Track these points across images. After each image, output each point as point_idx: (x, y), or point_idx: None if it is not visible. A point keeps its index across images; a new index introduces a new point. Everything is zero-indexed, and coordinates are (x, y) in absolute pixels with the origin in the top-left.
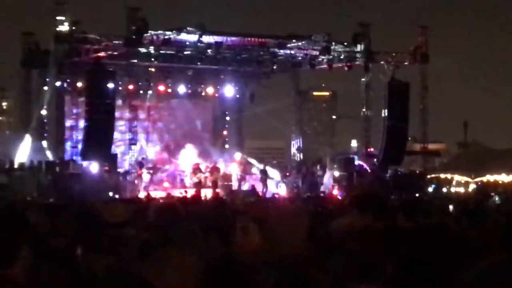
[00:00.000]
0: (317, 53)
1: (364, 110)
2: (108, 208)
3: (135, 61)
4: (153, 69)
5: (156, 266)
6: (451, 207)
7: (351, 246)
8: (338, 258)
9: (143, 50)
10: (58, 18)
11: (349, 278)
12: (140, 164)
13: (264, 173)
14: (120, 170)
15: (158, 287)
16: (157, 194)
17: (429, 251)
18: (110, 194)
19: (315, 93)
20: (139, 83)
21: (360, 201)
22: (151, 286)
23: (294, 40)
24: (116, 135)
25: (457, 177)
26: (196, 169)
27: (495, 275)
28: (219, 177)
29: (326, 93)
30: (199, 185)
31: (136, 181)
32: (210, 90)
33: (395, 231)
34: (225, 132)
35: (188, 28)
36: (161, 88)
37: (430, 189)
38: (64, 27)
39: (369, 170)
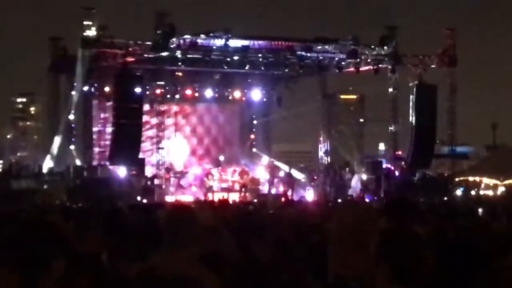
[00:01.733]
0: (344, 56)
1: (391, 113)
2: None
3: (162, 65)
4: (180, 74)
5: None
6: (480, 210)
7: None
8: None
9: (170, 54)
10: (85, 23)
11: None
12: (168, 169)
13: (290, 176)
14: (148, 174)
15: None
16: (185, 198)
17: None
18: (138, 198)
19: (342, 97)
20: (166, 88)
21: (392, 207)
22: None
23: (321, 44)
24: (144, 139)
25: (485, 180)
26: (208, 174)
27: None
28: (247, 181)
29: (354, 97)
30: (210, 190)
31: (163, 186)
32: (237, 94)
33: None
34: (252, 136)
35: (215, 32)
36: (188, 92)
37: (459, 192)
38: (92, 32)
39: (397, 173)
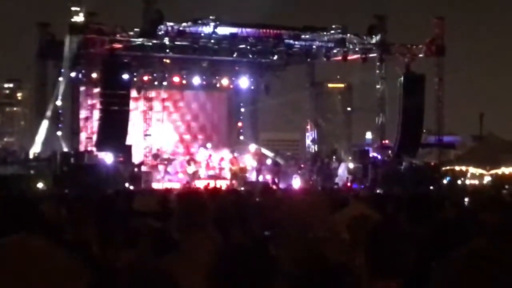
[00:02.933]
0: (332, 45)
1: (379, 102)
2: (138, 198)
3: (150, 52)
4: (168, 61)
5: (176, 260)
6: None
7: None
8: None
9: (158, 41)
10: (73, 9)
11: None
12: (155, 156)
13: (276, 164)
14: (135, 161)
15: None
16: (172, 185)
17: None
18: (126, 185)
19: (330, 85)
20: (154, 75)
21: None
22: (172, 281)
23: (309, 32)
24: (131, 126)
25: (472, 170)
26: (190, 161)
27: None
28: (236, 169)
29: (341, 85)
30: (194, 177)
31: (151, 173)
32: (225, 81)
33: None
34: (240, 124)
35: (203, 20)
36: (176, 79)
37: (445, 182)
38: (79, 18)
39: (384, 162)
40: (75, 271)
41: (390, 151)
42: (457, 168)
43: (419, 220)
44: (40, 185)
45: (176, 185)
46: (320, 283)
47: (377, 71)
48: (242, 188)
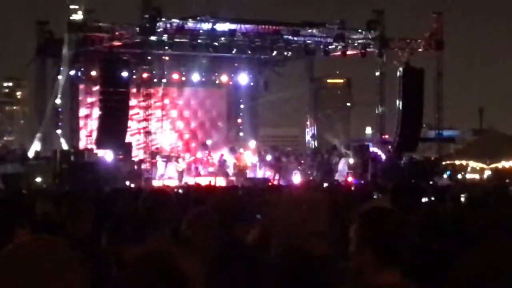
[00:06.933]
0: (331, 40)
1: (378, 97)
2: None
3: (149, 49)
4: (167, 58)
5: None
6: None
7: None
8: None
9: (157, 38)
10: (72, 7)
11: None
12: (155, 153)
13: (277, 160)
14: (135, 158)
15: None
16: (171, 182)
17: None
18: (126, 183)
19: (329, 81)
20: (153, 72)
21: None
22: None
23: (308, 28)
24: (131, 123)
25: (472, 164)
26: (178, 158)
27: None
28: (234, 165)
29: (340, 81)
30: (181, 174)
31: (150, 170)
32: (224, 78)
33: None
34: (239, 120)
35: (202, 16)
36: (175, 76)
37: (445, 176)
38: (78, 16)
39: (383, 157)
40: (75, 264)
41: (390, 146)
42: (457, 162)
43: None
44: (39, 183)
45: (175, 183)
46: (302, 275)
47: (376, 66)
48: (242, 185)
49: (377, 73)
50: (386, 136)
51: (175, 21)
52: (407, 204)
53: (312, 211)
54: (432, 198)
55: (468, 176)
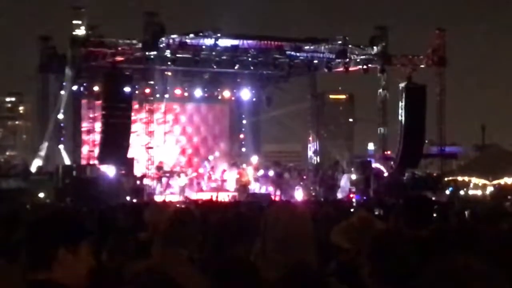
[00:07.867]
0: (334, 56)
1: (380, 113)
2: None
3: (152, 65)
4: (169, 73)
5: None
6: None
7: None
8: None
9: (159, 54)
10: (74, 22)
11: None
12: (157, 168)
13: (279, 176)
14: (137, 174)
15: None
16: (174, 198)
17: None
18: (128, 198)
19: (331, 96)
20: (156, 87)
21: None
22: None
23: (310, 43)
24: (133, 138)
25: (474, 180)
26: (180, 173)
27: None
28: (237, 181)
29: (343, 96)
30: (182, 190)
31: (153, 185)
32: (226, 93)
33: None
34: (242, 136)
35: (205, 32)
36: (178, 91)
37: (447, 192)
38: (81, 31)
39: (386, 173)
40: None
41: (392, 162)
42: (459, 178)
43: (417, 222)
44: (42, 198)
45: (178, 198)
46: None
47: (379, 82)
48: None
49: (380, 89)
50: (389, 152)
51: (178, 36)
52: (418, 218)
53: (296, 223)
54: (434, 215)
55: (471, 192)
